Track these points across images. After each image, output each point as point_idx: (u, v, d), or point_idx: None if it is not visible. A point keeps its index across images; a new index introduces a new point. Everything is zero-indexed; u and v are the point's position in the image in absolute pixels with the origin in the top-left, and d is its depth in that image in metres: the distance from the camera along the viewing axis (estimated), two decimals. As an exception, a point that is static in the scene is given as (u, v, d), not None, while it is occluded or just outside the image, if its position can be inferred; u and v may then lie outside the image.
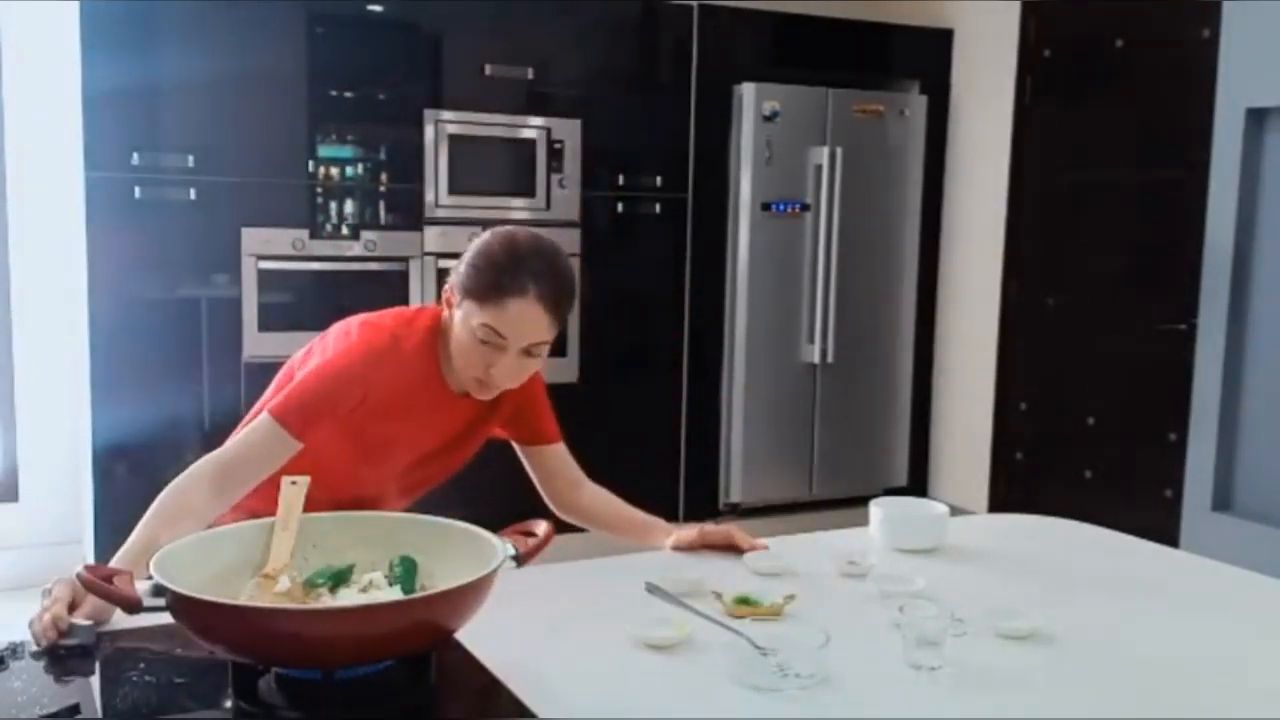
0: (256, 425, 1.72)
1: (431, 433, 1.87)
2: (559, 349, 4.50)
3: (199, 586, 1.29)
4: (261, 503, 1.64)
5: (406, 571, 1.45)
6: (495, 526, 1.53)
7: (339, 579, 1.43)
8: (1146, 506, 4.16)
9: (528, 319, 1.69)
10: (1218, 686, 1.49)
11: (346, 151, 4.15)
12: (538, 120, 4.43)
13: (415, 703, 1.35)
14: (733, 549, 1.94)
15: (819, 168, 4.86)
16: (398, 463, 1.87)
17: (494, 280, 1.69)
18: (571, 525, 2.00)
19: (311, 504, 1.52)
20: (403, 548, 1.48)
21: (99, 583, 1.32)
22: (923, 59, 5.18)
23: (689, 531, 1.96)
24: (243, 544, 1.47)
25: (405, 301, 4.13)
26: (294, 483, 1.51)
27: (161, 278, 3.96)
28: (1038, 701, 1.41)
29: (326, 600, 1.40)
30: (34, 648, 1.44)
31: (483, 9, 4.33)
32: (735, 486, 4.92)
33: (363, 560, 1.48)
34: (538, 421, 1.97)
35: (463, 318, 1.73)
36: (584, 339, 4.56)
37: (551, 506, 2.02)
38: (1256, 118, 3.34)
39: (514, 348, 1.71)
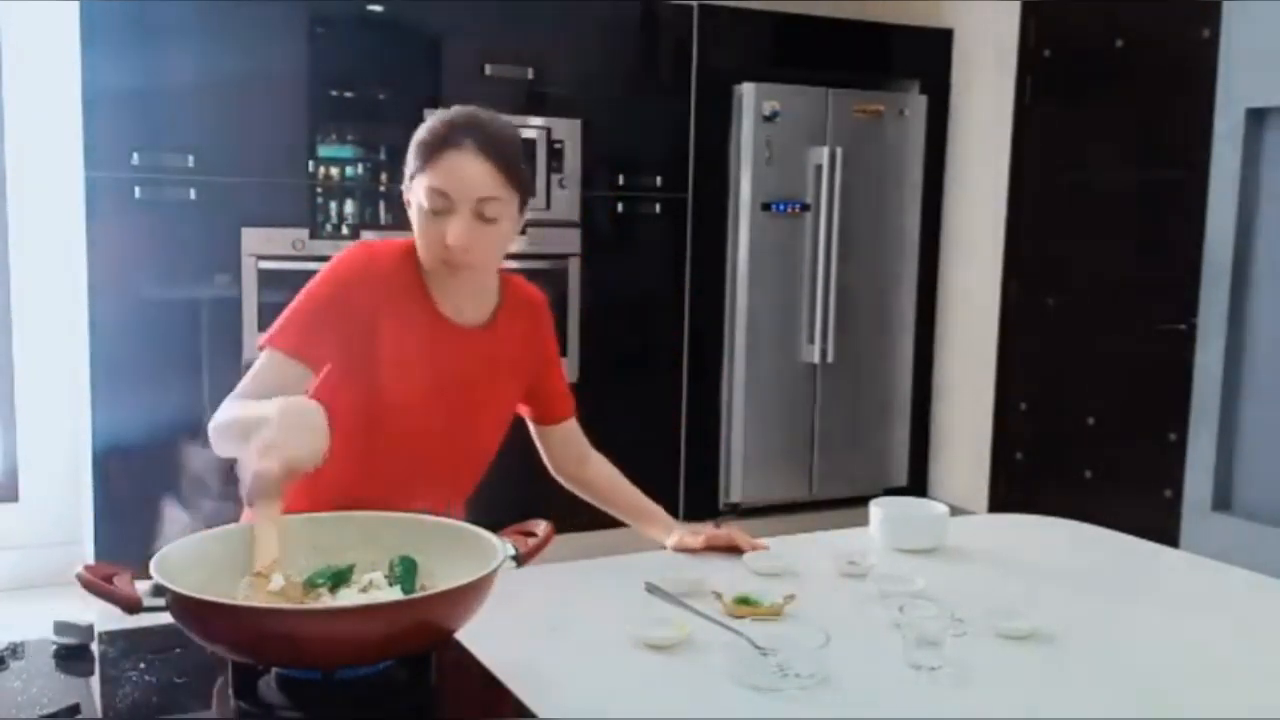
0: (257, 361, 1.76)
1: (441, 381, 1.79)
2: (559, 348, 4.53)
3: (198, 586, 1.29)
4: (307, 500, 1.61)
5: (406, 571, 1.45)
6: (495, 526, 1.53)
7: (339, 579, 1.43)
8: (1146, 506, 4.15)
9: (468, 170, 1.69)
10: (1218, 686, 1.49)
11: (346, 151, 4.15)
12: (538, 120, 4.43)
13: (415, 703, 1.35)
14: (733, 549, 1.94)
15: (819, 168, 4.86)
16: (416, 435, 1.79)
17: (432, 146, 1.72)
18: (572, 525, 2.00)
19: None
20: (403, 548, 1.48)
21: (99, 583, 1.32)
22: (922, 59, 5.18)
23: (693, 537, 1.96)
24: (242, 544, 1.47)
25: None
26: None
27: (161, 278, 3.96)
28: (1038, 701, 1.41)
29: (326, 600, 1.40)
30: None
31: (483, 9, 4.33)
32: (735, 486, 4.92)
33: (363, 560, 1.47)
34: (553, 397, 2.00)
35: (415, 201, 1.74)
36: (584, 339, 4.56)
37: (554, 474, 2.04)
38: (1256, 118, 3.34)
39: (463, 207, 1.70)
